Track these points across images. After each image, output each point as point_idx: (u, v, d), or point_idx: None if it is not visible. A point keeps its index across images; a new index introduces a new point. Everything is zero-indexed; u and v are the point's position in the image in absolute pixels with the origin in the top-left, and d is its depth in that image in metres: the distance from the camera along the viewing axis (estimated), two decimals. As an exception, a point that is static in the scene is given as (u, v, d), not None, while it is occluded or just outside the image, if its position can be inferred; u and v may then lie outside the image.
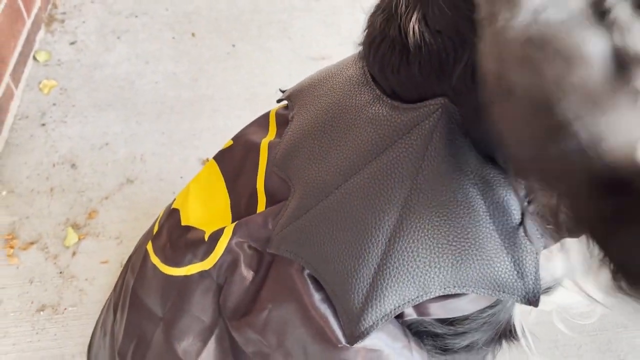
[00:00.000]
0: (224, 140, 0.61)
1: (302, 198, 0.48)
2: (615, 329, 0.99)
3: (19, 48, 1.34)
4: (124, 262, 0.93)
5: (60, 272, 0.99)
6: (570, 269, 0.46)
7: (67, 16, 1.57)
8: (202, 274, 0.53)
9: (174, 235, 0.57)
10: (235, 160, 0.57)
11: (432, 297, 0.44)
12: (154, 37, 1.52)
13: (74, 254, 1.02)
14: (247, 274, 0.52)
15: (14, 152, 1.19)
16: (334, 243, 0.46)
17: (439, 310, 0.48)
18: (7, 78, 1.26)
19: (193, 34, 1.54)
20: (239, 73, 1.44)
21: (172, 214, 0.59)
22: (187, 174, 1.18)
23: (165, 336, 0.56)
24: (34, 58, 1.41)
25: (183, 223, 0.57)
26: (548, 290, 0.48)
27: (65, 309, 0.95)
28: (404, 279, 0.44)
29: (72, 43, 1.48)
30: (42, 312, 0.94)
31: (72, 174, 1.16)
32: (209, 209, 0.56)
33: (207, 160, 1.20)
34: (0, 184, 1.12)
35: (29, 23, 1.41)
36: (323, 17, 1.63)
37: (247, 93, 1.38)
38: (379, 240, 0.44)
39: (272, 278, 0.51)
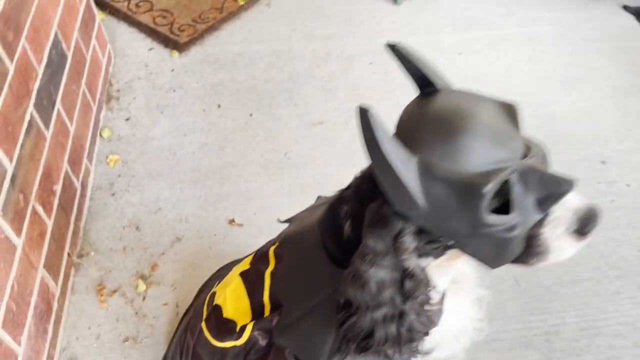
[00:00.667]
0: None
1: (287, 311, 0.90)
2: (526, 347, 1.39)
3: (90, 130, 1.78)
4: (179, 303, 1.38)
5: (136, 313, 1.44)
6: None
7: (121, 93, 2.00)
8: (235, 347, 0.96)
9: (219, 322, 0.99)
10: (251, 280, 0.99)
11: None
12: (188, 111, 1.93)
13: (144, 298, 1.47)
14: (262, 344, 0.95)
15: (94, 219, 1.63)
16: (306, 339, 0.87)
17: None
18: (84, 159, 1.69)
19: (219, 105, 1.95)
20: (254, 140, 1.84)
21: (216, 309, 1.01)
22: (219, 231, 1.61)
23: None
24: (100, 135, 1.85)
25: (224, 315, 0.99)
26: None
27: (142, 339, 1.40)
28: None
29: (127, 119, 1.91)
30: (126, 342, 1.39)
31: (137, 235, 1.60)
32: (237, 309, 0.98)
33: (234, 220, 1.62)
34: (89, 245, 1.57)
35: (95, 107, 1.84)
36: (323, 84, 2.01)
37: (262, 159, 1.79)
38: (328, 342, 0.85)
39: (273, 352, 0.93)
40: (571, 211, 0.69)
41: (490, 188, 0.63)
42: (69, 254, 1.50)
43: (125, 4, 2.31)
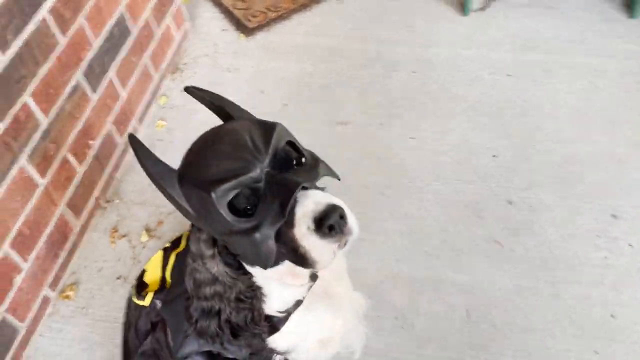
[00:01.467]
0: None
1: (171, 288, 1.08)
2: None
3: (147, 96, 2.07)
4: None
5: (134, 258, 1.72)
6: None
7: (187, 66, 2.27)
8: (145, 307, 1.17)
9: (139, 283, 1.21)
10: (166, 256, 1.18)
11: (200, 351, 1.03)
12: (235, 91, 2.14)
13: (143, 247, 1.74)
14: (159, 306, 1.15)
15: (128, 173, 1.93)
16: (177, 317, 1.05)
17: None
18: (133, 121, 1.99)
19: (262, 91, 2.13)
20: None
21: (142, 272, 1.23)
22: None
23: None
24: (157, 102, 2.14)
25: (143, 279, 1.20)
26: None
27: (130, 280, 1.67)
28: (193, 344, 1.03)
29: (182, 91, 2.18)
30: (118, 280, 1.68)
31: (155, 193, 1.87)
32: (152, 277, 1.19)
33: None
34: (116, 194, 1.88)
35: (157, 77, 2.13)
36: (360, 85, 2.11)
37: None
38: (183, 329, 1.02)
39: (161, 322, 1.13)
40: (309, 210, 0.76)
41: (218, 192, 0.75)
42: (96, 198, 1.81)
43: (216, -15, 2.57)
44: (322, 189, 0.87)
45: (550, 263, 1.58)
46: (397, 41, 2.25)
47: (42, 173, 1.54)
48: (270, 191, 0.77)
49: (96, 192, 1.81)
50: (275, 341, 1.03)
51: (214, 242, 0.87)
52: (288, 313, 1.01)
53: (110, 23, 1.80)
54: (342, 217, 0.77)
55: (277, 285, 0.96)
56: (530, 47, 2.16)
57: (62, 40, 1.57)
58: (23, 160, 1.45)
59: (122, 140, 1.93)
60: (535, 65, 2.09)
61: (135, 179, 1.91)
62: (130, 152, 1.97)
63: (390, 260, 1.62)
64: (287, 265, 0.83)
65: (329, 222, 0.75)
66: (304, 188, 0.79)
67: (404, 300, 1.54)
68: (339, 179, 0.91)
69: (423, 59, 2.16)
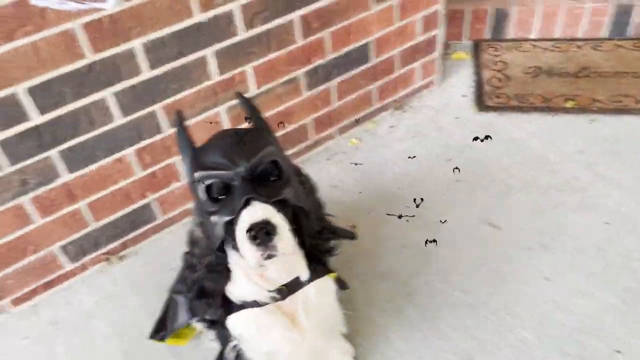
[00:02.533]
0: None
1: None
2: None
3: (357, 115, 2.35)
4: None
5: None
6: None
7: (411, 109, 2.47)
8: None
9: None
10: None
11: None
12: (423, 148, 2.25)
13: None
14: None
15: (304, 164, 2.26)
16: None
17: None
18: (333, 129, 2.30)
19: (455, 169, 2.20)
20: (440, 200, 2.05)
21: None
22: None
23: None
24: (372, 122, 2.40)
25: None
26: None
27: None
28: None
29: (391, 127, 2.39)
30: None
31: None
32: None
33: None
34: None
35: (376, 104, 2.38)
36: (533, 201, 1.98)
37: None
38: None
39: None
40: (246, 218, 0.98)
41: (199, 175, 1.01)
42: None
43: (497, 64, 2.66)
44: (279, 201, 1.04)
45: None
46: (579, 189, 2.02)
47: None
48: (237, 191, 0.99)
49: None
50: (229, 323, 1.21)
51: (201, 211, 1.10)
52: (243, 305, 1.17)
53: (353, 46, 2.11)
54: (269, 233, 0.95)
55: (242, 275, 1.14)
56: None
57: (300, 42, 1.94)
58: (222, 108, 1.89)
59: (315, 136, 2.26)
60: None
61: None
62: (313, 153, 2.29)
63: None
64: (249, 261, 1.02)
65: (253, 234, 0.95)
66: (265, 201, 0.99)
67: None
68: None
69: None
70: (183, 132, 1.11)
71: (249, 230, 0.96)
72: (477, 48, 2.74)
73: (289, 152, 2.21)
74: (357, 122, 2.35)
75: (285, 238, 1.00)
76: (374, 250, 1.89)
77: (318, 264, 1.21)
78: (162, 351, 1.63)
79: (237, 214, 0.99)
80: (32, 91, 1.50)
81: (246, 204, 0.98)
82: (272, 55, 1.90)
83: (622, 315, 1.61)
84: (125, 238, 1.95)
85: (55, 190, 1.70)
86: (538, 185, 2.05)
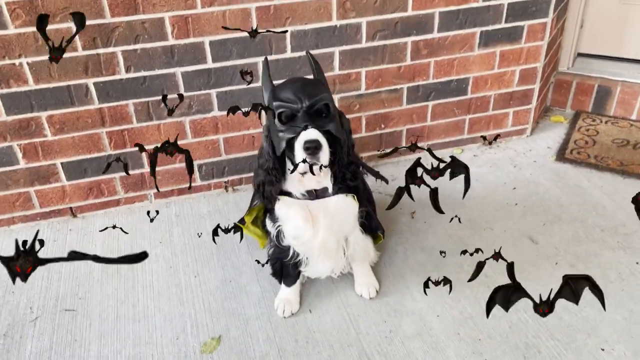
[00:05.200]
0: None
1: None
2: None
3: (445, 140, 2.79)
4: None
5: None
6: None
7: (497, 148, 2.85)
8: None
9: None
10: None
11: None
12: (495, 184, 2.62)
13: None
14: None
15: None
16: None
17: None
18: (424, 147, 2.77)
19: (543, 223, 2.54)
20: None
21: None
22: (406, 211, 2.43)
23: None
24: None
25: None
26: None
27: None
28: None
29: (475, 155, 2.79)
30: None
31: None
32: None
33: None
34: (374, 166, 2.73)
35: (465, 135, 2.81)
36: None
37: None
38: None
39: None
40: (303, 137, 1.53)
41: (276, 104, 1.57)
42: (362, 157, 2.72)
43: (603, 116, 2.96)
44: (326, 131, 1.59)
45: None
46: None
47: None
48: (299, 119, 1.57)
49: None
50: (276, 208, 1.74)
51: (268, 129, 1.67)
52: (286, 194, 1.70)
53: (453, 77, 2.61)
54: (317, 148, 1.53)
55: (292, 177, 1.67)
56: None
57: (408, 61, 2.49)
58: (337, 96, 2.49)
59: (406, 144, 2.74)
60: None
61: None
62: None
63: None
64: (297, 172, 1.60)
65: (307, 146, 1.52)
66: (317, 128, 1.56)
67: None
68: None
69: None
70: (267, 72, 1.69)
71: (305, 143, 1.51)
72: (576, 117, 3.05)
73: (383, 151, 2.72)
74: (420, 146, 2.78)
75: (325, 153, 1.55)
76: (424, 231, 2.30)
77: (343, 184, 1.70)
78: (242, 249, 2.20)
79: (297, 134, 1.54)
80: (213, 44, 2.23)
81: (304, 128, 1.54)
82: (384, 66, 2.48)
83: (621, 330, 1.83)
84: (243, 175, 2.59)
85: (207, 120, 2.40)
86: (585, 222, 2.31)
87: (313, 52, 2.34)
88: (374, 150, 2.73)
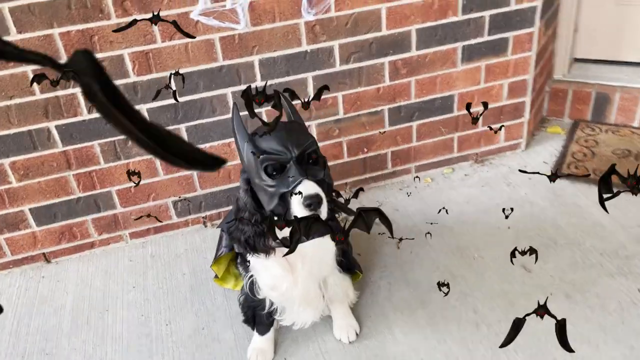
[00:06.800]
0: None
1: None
2: None
3: (435, 158, 2.66)
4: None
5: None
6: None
7: (489, 164, 2.71)
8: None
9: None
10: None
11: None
12: (490, 199, 2.47)
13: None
14: None
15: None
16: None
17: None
18: (414, 164, 2.64)
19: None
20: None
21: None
22: (391, 241, 2.30)
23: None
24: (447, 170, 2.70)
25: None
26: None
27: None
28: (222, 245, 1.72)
29: (466, 175, 2.65)
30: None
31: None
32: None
33: None
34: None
35: (455, 153, 2.67)
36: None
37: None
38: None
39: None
40: (304, 192, 1.38)
41: (262, 158, 1.42)
42: (346, 183, 2.59)
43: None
44: (319, 180, 1.45)
45: None
46: None
47: (319, 138, 2.43)
48: (290, 171, 1.42)
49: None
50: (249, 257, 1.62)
51: (248, 182, 1.52)
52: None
53: (437, 95, 2.47)
54: (319, 202, 1.39)
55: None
56: None
57: (387, 82, 2.37)
58: (314, 123, 2.37)
59: (392, 167, 2.61)
60: None
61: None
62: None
63: None
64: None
65: (309, 202, 1.38)
66: (313, 180, 1.43)
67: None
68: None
69: None
70: (240, 119, 1.53)
71: (305, 199, 1.37)
72: (574, 127, 2.89)
73: (367, 176, 2.59)
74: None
75: (325, 206, 1.42)
76: (410, 263, 2.17)
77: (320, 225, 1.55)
78: (218, 292, 2.09)
79: (292, 188, 1.39)
80: (177, 78, 2.13)
81: (299, 182, 1.39)
82: (362, 89, 2.35)
83: (613, 363, 1.68)
84: (221, 210, 2.48)
85: (178, 156, 2.29)
86: (582, 246, 2.15)
87: (285, 79, 2.24)
88: (357, 176, 2.60)
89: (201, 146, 2.29)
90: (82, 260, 2.39)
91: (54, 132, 2.11)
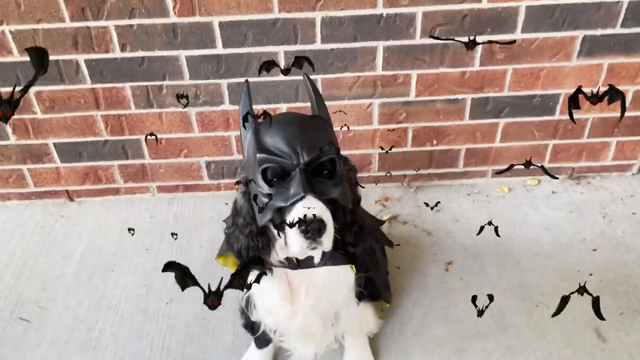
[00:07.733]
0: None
1: None
2: None
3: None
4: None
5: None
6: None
7: (583, 183, 2.20)
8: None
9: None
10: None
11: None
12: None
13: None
14: None
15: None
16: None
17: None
18: (488, 172, 2.20)
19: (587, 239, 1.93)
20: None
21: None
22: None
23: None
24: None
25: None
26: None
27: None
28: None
29: (553, 192, 2.17)
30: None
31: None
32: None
33: None
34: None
35: (548, 159, 2.19)
36: None
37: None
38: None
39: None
40: (301, 211, 1.01)
41: (261, 157, 1.05)
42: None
43: None
44: (329, 200, 1.08)
45: None
46: None
47: (381, 120, 2.04)
48: (294, 181, 1.04)
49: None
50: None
51: (247, 183, 1.14)
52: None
53: (538, 91, 1.98)
54: (320, 230, 1.01)
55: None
56: None
57: (477, 66, 1.91)
58: (377, 101, 1.98)
59: (463, 167, 2.19)
60: None
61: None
62: (458, 178, 2.22)
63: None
64: (293, 248, 1.07)
65: (305, 228, 1.01)
66: (319, 198, 1.04)
67: None
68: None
69: None
70: (249, 100, 1.16)
71: (301, 223, 1.00)
72: None
73: (432, 171, 2.19)
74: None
75: (329, 236, 1.05)
76: (457, 293, 1.80)
77: (338, 250, 1.19)
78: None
79: (290, 204, 1.03)
80: (223, 25, 1.80)
81: (301, 197, 1.02)
82: (443, 70, 1.91)
83: None
84: (258, 179, 2.20)
85: (217, 114, 2.01)
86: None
87: (349, 45, 1.85)
88: (421, 169, 2.20)
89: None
90: (104, 205, 2.22)
91: (83, 66, 1.88)
